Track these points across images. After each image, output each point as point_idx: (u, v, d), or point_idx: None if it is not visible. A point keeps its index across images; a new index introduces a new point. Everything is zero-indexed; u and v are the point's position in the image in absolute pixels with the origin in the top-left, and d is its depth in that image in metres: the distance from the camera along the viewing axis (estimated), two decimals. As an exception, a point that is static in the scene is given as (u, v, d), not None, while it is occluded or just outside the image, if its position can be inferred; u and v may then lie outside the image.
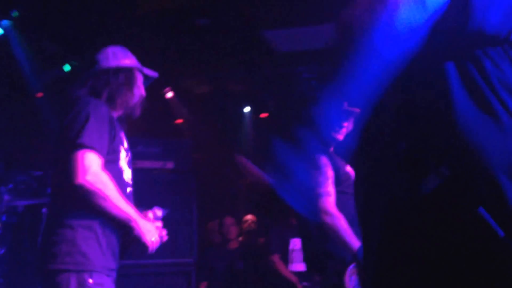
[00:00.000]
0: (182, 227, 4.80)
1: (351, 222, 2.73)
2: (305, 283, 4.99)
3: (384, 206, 1.17)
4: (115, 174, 2.18)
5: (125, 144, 2.36)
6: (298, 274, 5.04)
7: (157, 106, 6.35)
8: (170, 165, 4.96)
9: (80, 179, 2.04)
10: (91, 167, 2.06)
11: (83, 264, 2.05)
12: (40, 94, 5.05)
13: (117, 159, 2.23)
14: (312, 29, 4.95)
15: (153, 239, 2.24)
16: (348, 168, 3.01)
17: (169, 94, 6.38)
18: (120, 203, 2.13)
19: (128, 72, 2.42)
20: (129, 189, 2.34)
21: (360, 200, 1.31)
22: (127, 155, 2.35)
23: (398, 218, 1.13)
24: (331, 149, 3.08)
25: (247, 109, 6.86)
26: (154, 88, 6.17)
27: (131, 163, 2.40)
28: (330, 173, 2.90)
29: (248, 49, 5.46)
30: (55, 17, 4.54)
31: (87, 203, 2.08)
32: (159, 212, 2.38)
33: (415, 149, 1.12)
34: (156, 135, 5.84)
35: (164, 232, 2.35)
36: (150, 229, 2.24)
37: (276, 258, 5.10)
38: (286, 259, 5.11)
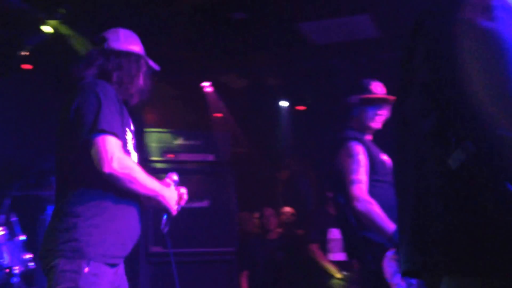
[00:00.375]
0: (223, 218, 4.91)
1: (388, 211, 2.73)
2: (344, 273, 5.04)
3: (415, 184, 1.22)
4: None
5: (132, 127, 2.32)
6: (337, 263, 5.09)
7: (197, 100, 6.49)
8: (210, 157, 5.08)
9: (108, 168, 2.03)
10: (115, 153, 2.05)
11: (80, 251, 2.01)
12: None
13: (124, 142, 2.19)
14: (349, 20, 4.97)
15: (175, 206, 2.29)
16: (385, 157, 3.01)
17: (208, 89, 6.51)
18: (146, 182, 2.13)
19: (138, 58, 2.36)
20: None
21: (394, 182, 1.36)
22: (133, 138, 2.31)
23: (429, 194, 1.16)
24: (369, 137, 3.12)
25: (284, 103, 6.92)
26: (193, 82, 6.35)
27: (136, 147, 2.37)
28: (363, 161, 2.90)
29: (285, 42, 5.52)
30: (96, 13, 4.69)
31: (116, 188, 2.08)
32: (174, 177, 2.36)
33: (442, 125, 1.15)
34: (196, 129, 5.99)
35: (184, 192, 2.37)
36: (173, 196, 2.27)
37: (315, 247, 5.16)
38: (325, 249, 5.16)
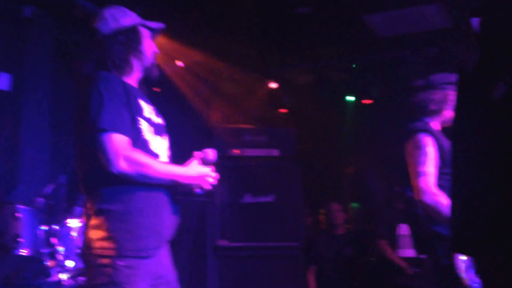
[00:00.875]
0: (289, 212, 4.94)
1: None
2: (415, 269, 4.92)
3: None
4: (140, 149, 2.08)
5: (146, 112, 2.20)
6: (407, 259, 4.98)
7: (262, 96, 6.55)
8: (275, 152, 5.12)
9: (116, 168, 1.98)
10: (121, 151, 1.99)
11: (112, 249, 1.99)
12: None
13: (137, 133, 2.10)
14: (415, 10, 4.83)
15: (206, 179, 2.20)
16: None
17: (273, 85, 6.54)
18: (161, 171, 2.07)
19: (129, 32, 2.22)
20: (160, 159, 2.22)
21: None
22: (150, 124, 2.19)
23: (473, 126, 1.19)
24: (437, 126, 3.03)
25: (350, 97, 6.84)
26: (259, 79, 6.40)
27: (162, 130, 2.26)
28: (432, 153, 2.81)
29: (351, 35, 5.45)
30: (164, 12, 4.84)
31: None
32: (211, 154, 2.23)
33: (486, 61, 1.18)
34: (262, 125, 6.03)
35: (212, 171, 2.24)
36: (196, 172, 2.18)
37: (383, 243, 5.07)
38: (394, 245, 5.06)
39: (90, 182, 2.11)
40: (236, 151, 5.07)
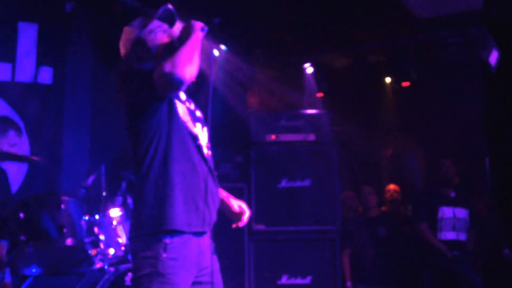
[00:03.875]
0: (325, 196, 4.96)
1: None
2: (455, 252, 4.90)
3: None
4: (177, 127, 2.23)
5: (183, 97, 2.36)
6: (447, 243, 4.96)
7: (299, 80, 6.55)
8: (311, 137, 5.12)
9: (167, 71, 2.10)
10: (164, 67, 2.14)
11: (159, 224, 2.09)
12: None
13: (174, 112, 2.27)
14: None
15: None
16: None
17: (309, 70, 6.53)
18: (190, 49, 2.18)
19: (152, 28, 2.36)
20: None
21: None
22: (188, 111, 2.34)
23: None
24: None
25: (388, 79, 6.75)
26: (294, 63, 6.40)
27: (200, 120, 2.38)
28: None
29: (388, 17, 5.37)
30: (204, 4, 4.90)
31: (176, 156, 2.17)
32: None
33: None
34: (298, 109, 6.05)
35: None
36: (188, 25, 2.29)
37: (424, 226, 5.06)
38: (434, 228, 5.04)
39: (134, 167, 2.23)
40: (272, 136, 5.11)
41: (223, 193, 2.47)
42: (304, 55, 6.31)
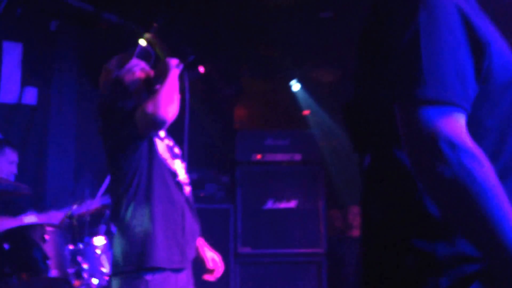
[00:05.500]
0: (311, 218, 4.92)
1: None
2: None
3: None
4: (157, 165, 2.29)
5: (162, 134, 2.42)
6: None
7: (286, 98, 6.52)
8: (298, 157, 5.08)
9: (149, 113, 2.19)
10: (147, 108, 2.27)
11: (140, 262, 2.12)
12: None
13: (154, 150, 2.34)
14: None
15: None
16: None
17: (296, 87, 6.52)
18: (167, 93, 2.25)
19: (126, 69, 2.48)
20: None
21: None
22: (167, 147, 2.40)
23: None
24: None
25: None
26: (281, 81, 6.38)
27: (178, 156, 2.44)
28: None
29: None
30: (189, 20, 4.87)
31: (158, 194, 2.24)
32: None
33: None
34: (285, 127, 6.01)
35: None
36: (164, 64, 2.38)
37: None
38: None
39: (114, 199, 2.28)
40: (258, 156, 5.06)
41: (200, 241, 2.48)
42: (291, 70, 6.31)
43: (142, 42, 4.74)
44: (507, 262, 0.91)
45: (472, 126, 1.00)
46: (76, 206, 3.33)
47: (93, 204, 3.35)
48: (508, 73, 1.06)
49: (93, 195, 3.48)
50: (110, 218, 2.57)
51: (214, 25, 5.05)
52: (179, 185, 2.33)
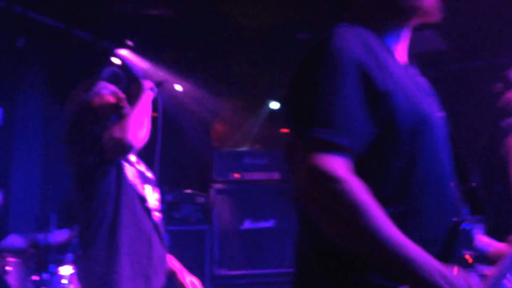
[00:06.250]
0: (289, 237, 4.85)
1: None
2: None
3: None
4: (125, 191, 2.24)
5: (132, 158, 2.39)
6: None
7: (263, 115, 6.47)
8: (276, 175, 5.05)
9: (117, 137, 2.14)
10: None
11: None
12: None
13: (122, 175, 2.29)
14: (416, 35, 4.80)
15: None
16: None
17: (275, 105, 6.49)
18: (137, 117, 2.22)
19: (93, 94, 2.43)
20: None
21: None
22: (137, 171, 2.36)
23: None
24: None
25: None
26: (259, 97, 6.33)
27: (150, 182, 2.40)
28: None
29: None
30: (166, 40, 4.83)
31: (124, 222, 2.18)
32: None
33: None
34: (263, 147, 5.96)
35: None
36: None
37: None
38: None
39: (80, 228, 2.23)
40: (236, 175, 5.00)
41: (176, 264, 2.44)
42: (269, 89, 6.29)
43: (115, 60, 4.63)
44: (401, 265, 1.05)
45: (377, 166, 1.17)
46: (42, 234, 3.18)
47: (60, 235, 3.20)
48: (413, 119, 1.20)
49: (59, 222, 3.34)
50: (77, 246, 2.45)
51: (190, 44, 5.01)
52: (147, 211, 2.28)
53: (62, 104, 4.44)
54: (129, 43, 4.53)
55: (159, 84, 2.38)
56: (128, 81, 2.45)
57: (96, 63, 4.46)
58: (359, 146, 1.14)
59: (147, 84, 2.32)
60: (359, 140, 1.14)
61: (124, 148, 2.13)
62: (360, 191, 1.07)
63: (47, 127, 4.45)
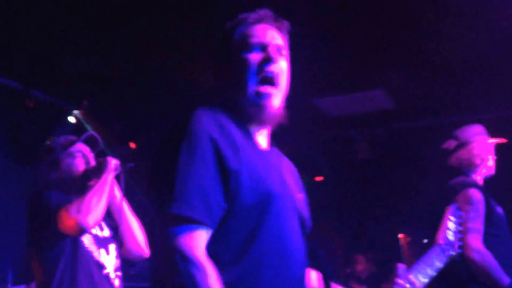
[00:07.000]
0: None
1: (502, 266, 2.66)
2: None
3: None
4: (84, 259, 2.26)
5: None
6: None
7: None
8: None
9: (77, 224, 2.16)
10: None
11: None
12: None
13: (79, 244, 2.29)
14: (364, 95, 5.07)
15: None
16: (500, 210, 2.89)
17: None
18: (99, 196, 2.25)
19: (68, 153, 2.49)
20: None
21: None
22: (93, 237, 2.36)
23: None
24: (481, 181, 2.98)
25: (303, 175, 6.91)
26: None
27: (107, 242, 2.40)
28: (482, 210, 2.76)
29: (301, 116, 5.59)
30: (120, 97, 4.86)
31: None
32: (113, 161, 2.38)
33: None
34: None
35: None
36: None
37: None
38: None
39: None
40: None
41: None
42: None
43: (72, 119, 4.65)
44: None
45: (225, 238, 1.28)
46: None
47: None
48: (256, 197, 1.31)
49: (14, 278, 3.21)
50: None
51: (146, 102, 5.05)
52: (106, 278, 2.27)
53: (20, 163, 4.38)
54: (85, 102, 4.57)
55: (124, 164, 2.40)
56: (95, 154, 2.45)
57: (53, 123, 4.48)
58: (214, 219, 1.26)
59: (114, 163, 2.33)
60: (214, 214, 1.26)
61: (77, 229, 2.13)
62: (206, 276, 1.20)
63: (4, 186, 4.33)
